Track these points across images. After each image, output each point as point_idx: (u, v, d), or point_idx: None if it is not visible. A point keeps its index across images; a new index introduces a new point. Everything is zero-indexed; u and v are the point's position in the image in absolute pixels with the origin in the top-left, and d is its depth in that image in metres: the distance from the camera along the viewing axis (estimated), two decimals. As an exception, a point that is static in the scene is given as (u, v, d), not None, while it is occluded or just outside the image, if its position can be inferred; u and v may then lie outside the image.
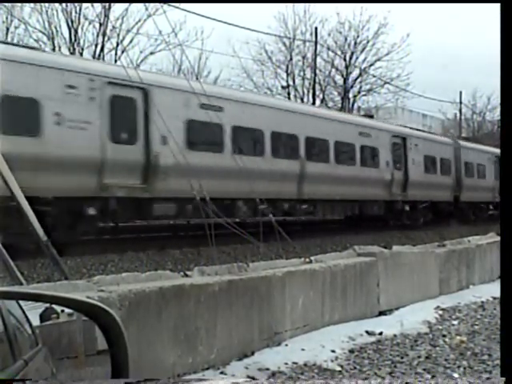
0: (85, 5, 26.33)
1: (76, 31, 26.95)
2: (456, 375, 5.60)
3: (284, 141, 17.10)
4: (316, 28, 34.08)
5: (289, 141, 17.21)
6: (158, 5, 19.51)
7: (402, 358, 6.14)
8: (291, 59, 35.82)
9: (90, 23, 26.87)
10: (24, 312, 2.07)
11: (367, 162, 20.57)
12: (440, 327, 7.63)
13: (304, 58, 35.60)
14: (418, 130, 27.10)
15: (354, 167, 19.76)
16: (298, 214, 18.65)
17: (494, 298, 9.40)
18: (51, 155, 11.32)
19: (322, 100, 35.49)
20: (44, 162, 11.17)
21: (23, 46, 13.82)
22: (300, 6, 35.00)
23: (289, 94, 35.51)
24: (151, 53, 28.13)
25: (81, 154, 11.79)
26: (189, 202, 12.53)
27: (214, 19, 28.26)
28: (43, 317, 2.06)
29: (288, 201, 17.31)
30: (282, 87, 35.97)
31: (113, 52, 27.33)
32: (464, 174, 27.23)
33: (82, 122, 12.06)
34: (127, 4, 26.29)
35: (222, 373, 5.37)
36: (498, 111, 46.09)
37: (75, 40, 27.00)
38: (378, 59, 36.30)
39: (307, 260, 7.69)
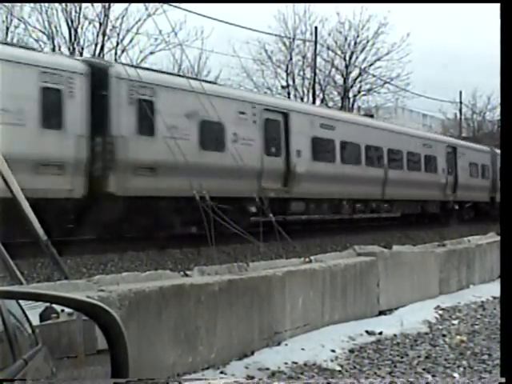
0: (85, 4, 26.37)
1: (76, 31, 26.98)
2: (456, 375, 5.60)
3: (373, 152, 21.14)
4: (316, 28, 34.14)
5: (376, 152, 21.32)
6: (157, 4, 19.55)
7: (401, 357, 6.14)
8: (291, 59, 35.87)
9: (89, 23, 26.91)
10: (24, 311, 2.07)
11: (429, 168, 24.74)
12: (440, 327, 7.63)
13: (304, 57, 35.66)
14: (463, 139, 34.50)
15: (419, 173, 23.87)
16: (381, 211, 22.75)
17: (494, 298, 9.40)
18: (231, 166, 14.54)
19: (322, 100, 35.51)
20: (227, 171, 14.77)
21: (206, 82, 17.28)
22: (300, 6, 35.07)
23: (289, 93, 35.54)
24: (151, 52, 28.19)
25: (249, 165, 14.87)
26: (316, 201, 17.97)
27: (214, 19, 28.40)
28: (43, 316, 2.06)
29: (374, 201, 21.60)
30: (282, 87, 36.02)
31: (112, 51, 27.35)
32: (499, 178, 28.98)
33: (249, 140, 16.00)
34: (127, 3, 26.31)
35: (221, 372, 5.37)
36: (498, 111, 46.14)
37: (75, 39, 27.03)
38: (378, 59, 36.37)
39: (307, 260, 7.69)
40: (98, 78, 13.01)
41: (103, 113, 12.98)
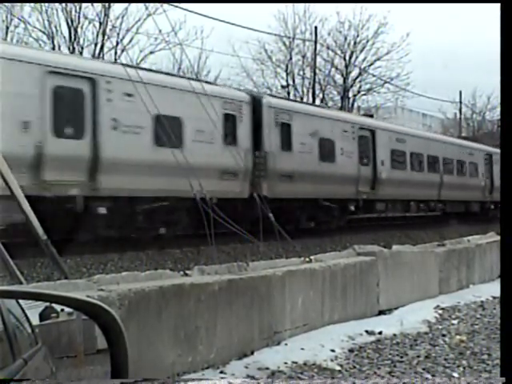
0: (85, 4, 26.34)
1: (76, 30, 26.95)
2: (456, 375, 5.60)
3: (432, 161, 25.11)
4: (316, 27, 34.12)
5: (434, 160, 25.31)
6: (157, 4, 19.54)
7: (401, 357, 6.14)
8: (291, 58, 35.86)
9: (89, 22, 26.89)
10: (24, 311, 2.07)
11: (472, 173, 28.57)
12: (440, 327, 7.63)
13: (304, 57, 35.64)
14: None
15: (465, 177, 27.74)
16: (437, 210, 26.74)
17: (494, 298, 9.40)
18: (339, 173, 18.83)
19: (322, 99, 35.50)
20: (337, 178, 18.58)
21: (321, 107, 22.78)
22: (300, 6, 35.06)
23: (288, 93, 35.52)
24: (151, 52, 28.17)
25: (351, 173, 19.59)
26: (392, 202, 22.59)
27: (213, 18, 28.40)
28: (43, 316, 2.06)
29: (432, 201, 25.65)
30: (282, 86, 36.01)
31: (112, 51, 27.33)
32: None
33: (350, 153, 19.71)
34: (127, 3, 26.30)
35: (221, 372, 5.37)
36: (497, 111, 46.13)
37: (75, 39, 27.01)
38: (378, 59, 36.36)
39: (307, 259, 7.69)
40: (255, 106, 16.63)
41: (258, 133, 16.57)
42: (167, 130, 12.69)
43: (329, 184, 18.14)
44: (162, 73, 17.12)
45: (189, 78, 16.36)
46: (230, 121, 15.57)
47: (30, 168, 11.44)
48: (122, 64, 14.80)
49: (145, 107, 12.14)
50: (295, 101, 21.81)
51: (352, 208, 19.95)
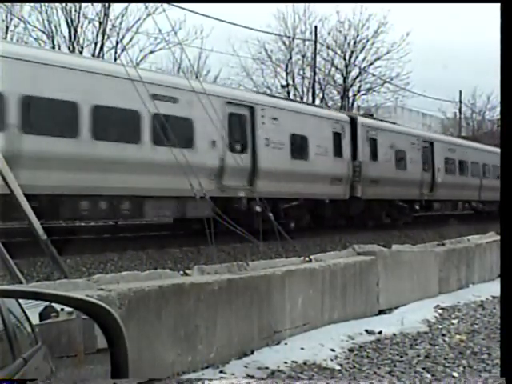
0: (84, 3, 26.32)
1: (76, 30, 26.96)
2: (455, 374, 5.60)
3: (474, 166, 28.88)
4: (316, 27, 34.13)
5: (475, 166, 29.03)
6: (157, 4, 19.53)
7: (401, 356, 6.13)
8: (291, 58, 35.87)
9: (89, 22, 26.91)
10: (23, 310, 2.07)
11: None
12: (439, 326, 7.63)
13: (304, 56, 35.65)
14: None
15: (497, 180, 30.47)
16: (478, 209, 30.48)
17: (494, 297, 9.40)
18: (410, 179, 22.93)
19: (322, 99, 35.49)
20: (408, 182, 22.66)
21: (394, 123, 26.76)
22: (300, 5, 35.08)
23: (288, 93, 35.53)
24: (151, 51, 28.23)
25: (417, 178, 23.57)
26: (444, 202, 26.76)
27: (213, 18, 28.44)
28: (43, 315, 2.06)
29: (473, 201, 29.82)
30: (282, 86, 36.02)
31: (112, 51, 27.32)
32: None
33: (416, 162, 23.61)
34: (127, 3, 26.29)
35: (221, 372, 5.37)
36: (497, 110, 46.18)
37: (75, 38, 27.01)
38: (378, 58, 36.38)
39: (307, 259, 7.69)
40: (353, 125, 20.47)
41: (354, 146, 20.38)
42: (298, 146, 17.61)
43: (402, 187, 22.23)
44: (292, 100, 22.71)
45: (309, 104, 22.10)
46: (337, 137, 19.61)
47: (216, 176, 14.91)
48: (268, 95, 22.49)
49: (285, 128, 16.92)
50: (379, 120, 25.73)
51: (417, 207, 24.12)
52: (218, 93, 15.26)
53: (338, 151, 19.43)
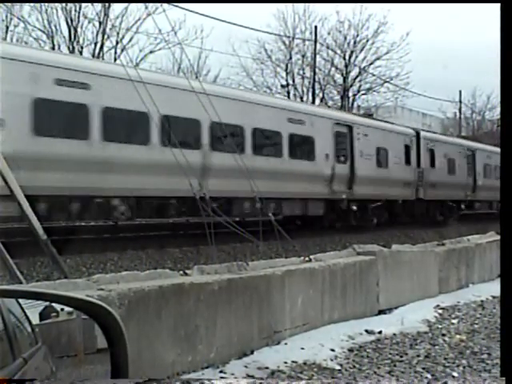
0: (84, 3, 26.31)
1: (75, 30, 26.95)
2: (455, 374, 5.60)
3: (497, 169, 30.98)
4: (316, 27, 34.12)
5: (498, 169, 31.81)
6: (157, 4, 19.53)
7: (401, 356, 6.13)
8: (291, 58, 35.85)
9: (89, 22, 26.89)
10: (24, 310, 2.07)
11: None
12: (439, 326, 7.63)
13: (303, 56, 35.64)
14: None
15: None
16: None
17: (494, 297, 9.40)
18: (458, 182, 27.02)
19: (322, 99, 35.48)
20: (457, 185, 26.67)
21: (445, 135, 32.03)
22: (300, 5, 35.07)
23: (288, 92, 35.52)
24: (151, 51, 28.23)
25: (463, 181, 27.53)
26: (482, 202, 30.26)
27: (213, 18, 28.46)
28: (43, 315, 2.06)
29: (495, 201, 31.33)
30: (282, 86, 36.00)
31: (112, 51, 27.31)
32: None
33: (462, 168, 27.53)
34: (127, 3, 26.28)
35: (221, 371, 5.37)
36: (497, 110, 46.20)
37: (74, 38, 27.00)
38: (378, 58, 36.36)
39: (307, 259, 7.69)
40: (416, 137, 24.52)
41: (418, 156, 24.32)
42: (381, 157, 21.83)
43: (452, 190, 26.19)
44: (375, 119, 26.34)
45: (386, 122, 25.93)
46: (407, 149, 23.64)
47: (328, 182, 19.13)
48: (358, 114, 27.66)
49: (372, 142, 21.11)
50: (434, 132, 30.78)
51: (463, 206, 28.04)
52: (330, 115, 20.30)
53: (407, 160, 23.63)
